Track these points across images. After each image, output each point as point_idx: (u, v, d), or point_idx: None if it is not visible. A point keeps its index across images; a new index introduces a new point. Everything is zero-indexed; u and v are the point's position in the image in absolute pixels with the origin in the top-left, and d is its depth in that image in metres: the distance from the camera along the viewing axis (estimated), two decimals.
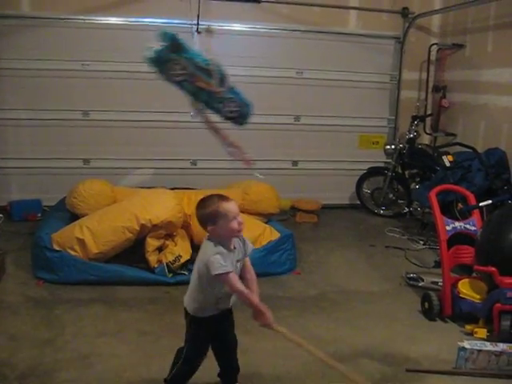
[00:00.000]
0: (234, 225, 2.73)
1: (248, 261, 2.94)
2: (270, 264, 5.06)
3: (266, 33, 7.28)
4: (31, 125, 6.82)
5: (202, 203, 2.79)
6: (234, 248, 2.82)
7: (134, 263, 4.91)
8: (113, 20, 6.86)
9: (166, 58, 3.73)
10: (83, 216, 5.23)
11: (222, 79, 3.62)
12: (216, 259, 2.66)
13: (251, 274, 2.93)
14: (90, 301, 4.41)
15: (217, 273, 2.65)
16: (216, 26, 7.00)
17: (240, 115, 3.71)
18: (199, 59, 3.65)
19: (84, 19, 6.74)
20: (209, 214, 2.74)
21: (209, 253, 2.71)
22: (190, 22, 6.88)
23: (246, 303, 2.78)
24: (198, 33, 6.92)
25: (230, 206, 2.74)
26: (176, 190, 5.73)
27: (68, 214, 5.56)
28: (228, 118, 3.71)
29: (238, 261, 2.84)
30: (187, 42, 3.83)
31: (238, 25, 7.21)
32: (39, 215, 6.57)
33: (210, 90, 3.62)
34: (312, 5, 7.26)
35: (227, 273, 2.66)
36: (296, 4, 7.22)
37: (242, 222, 2.78)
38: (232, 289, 2.73)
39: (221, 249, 2.72)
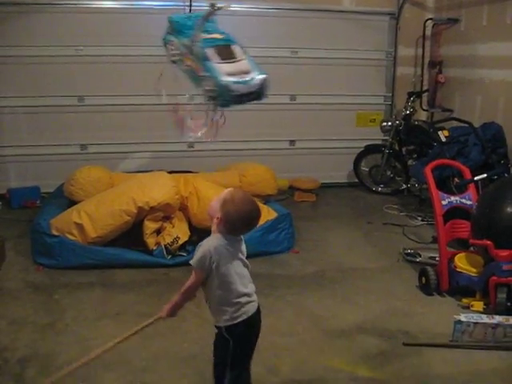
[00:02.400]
0: None
1: None
2: (268, 243, 5.09)
3: (259, 12, 7.23)
4: (27, 112, 6.80)
5: None
6: None
7: (132, 246, 4.93)
8: (106, 4, 6.82)
9: (165, 41, 3.87)
10: None
11: (203, 56, 3.57)
12: None
13: None
14: (90, 284, 4.45)
15: None
16: (207, 7, 6.99)
17: (218, 95, 3.66)
18: (185, 37, 3.64)
19: (76, 4, 6.69)
20: None
21: None
22: (182, 4, 6.86)
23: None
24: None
25: None
26: (173, 174, 5.72)
27: (66, 200, 5.55)
28: (209, 98, 3.68)
29: None
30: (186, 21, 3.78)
31: (232, 5, 7.11)
32: (38, 202, 6.57)
33: (192, 68, 3.61)
34: None
35: None
36: None
37: None
38: None
39: None
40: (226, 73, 3.57)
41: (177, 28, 3.81)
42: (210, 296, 2.57)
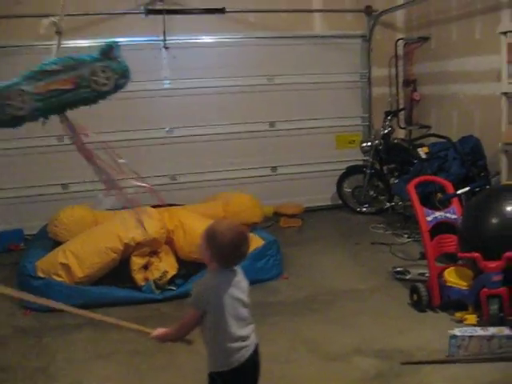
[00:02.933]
0: None
1: None
2: (258, 271, 5.05)
3: (234, 42, 7.33)
4: (5, 154, 6.74)
5: None
6: None
7: (120, 283, 4.87)
8: (79, 43, 6.82)
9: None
10: None
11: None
12: None
13: None
14: (79, 325, 4.36)
15: None
16: (183, 40, 7.07)
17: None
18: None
19: (50, 44, 6.68)
20: None
21: None
22: (156, 39, 6.94)
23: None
24: (166, 48, 6.98)
25: None
26: (157, 208, 5.70)
27: (51, 241, 5.49)
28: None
29: None
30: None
31: (206, 37, 7.25)
32: (22, 245, 6.49)
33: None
34: (277, 11, 7.34)
35: None
36: (261, 11, 7.28)
37: None
38: None
39: None
40: None
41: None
42: (204, 336, 2.45)
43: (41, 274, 4.73)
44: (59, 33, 3.35)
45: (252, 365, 2.48)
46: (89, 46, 3.47)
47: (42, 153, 6.85)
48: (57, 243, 5.34)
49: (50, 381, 3.57)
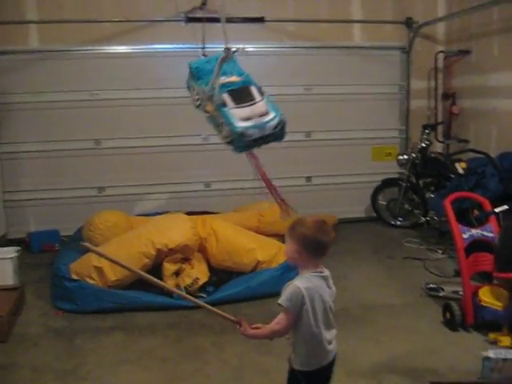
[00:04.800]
0: None
1: None
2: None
3: (272, 51, 7.34)
4: (45, 156, 6.89)
5: None
6: None
7: (151, 289, 4.90)
8: (119, 49, 6.95)
9: (188, 86, 4.02)
10: None
11: (220, 102, 3.59)
12: None
13: None
14: (110, 329, 4.42)
15: None
16: (222, 48, 7.10)
17: (234, 141, 3.67)
18: (204, 82, 3.67)
19: (91, 49, 6.83)
20: None
21: None
22: (195, 46, 6.98)
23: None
24: (204, 56, 7.01)
25: None
26: (191, 215, 5.73)
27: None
28: (227, 143, 3.69)
29: None
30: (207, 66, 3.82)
31: (245, 46, 7.25)
32: (57, 245, 6.59)
33: (212, 114, 3.62)
34: (316, 21, 7.32)
35: None
36: (300, 21, 7.28)
37: None
38: None
39: None
40: (241, 118, 3.56)
41: (196, 74, 3.85)
42: (293, 336, 2.49)
43: (74, 276, 4.80)
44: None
45: (330, 369, 2.57)
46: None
47: (80, 156, 6.97)
48: None
49: (80, 383, 3.61)
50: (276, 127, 3.56)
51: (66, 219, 6.85)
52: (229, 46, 3.70)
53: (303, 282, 2.41)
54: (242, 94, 3.64)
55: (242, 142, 3.61)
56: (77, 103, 6.83)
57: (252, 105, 3.63)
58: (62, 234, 6.76)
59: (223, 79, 3.70)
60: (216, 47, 6.95)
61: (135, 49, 6.97)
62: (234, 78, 3.72)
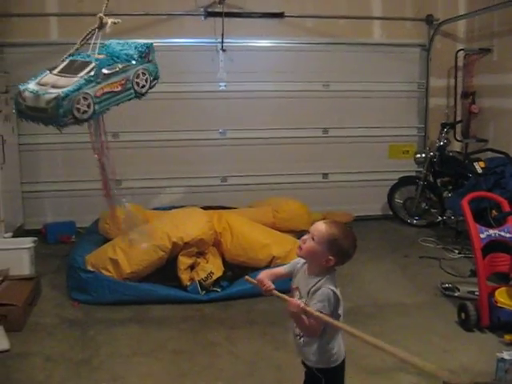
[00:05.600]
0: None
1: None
2: None
3: (291, 47, 7.32)
4: (62, 148, 6.92)
5: None
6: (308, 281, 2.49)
7: (166, 282, 4.92)
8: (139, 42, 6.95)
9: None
10: None
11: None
12: None
13: None
14: (124, 320, 4.45)
15: None
16: (241, 43, 7.11)
17: (14, 102, 3.23)
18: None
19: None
20: None
21: None
22: (214, 41, 6.99)
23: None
24: (223, 51, 7.03)
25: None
26: (207, 210, 5.73)
27: (101, 236, 5.61)
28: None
29: (298, 290, 2.53)
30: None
31: (263, 41, 7.26)
32: (73, 237, 6.64)
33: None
34: (335, 17, 7.28)
35: None
36: (320, 17, 7.24)
37: (303, 239, 2.47)
38: None
39: (302, 260, 2.57)
40: (39, 82, 3.15)
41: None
42: (322, 335, 2.46)
43: (90, 268, 4.83)
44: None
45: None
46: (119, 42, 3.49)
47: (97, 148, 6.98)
48: (107, 238, 5.45)
49: (92, 373, 3.64)
50: (49, 103, 3.01)
51: (82, 211, 6.88)
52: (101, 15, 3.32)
53: (333, 285, 2.42)
54: (77, 67, 3.17)
55: (17, 105, 3.18)
56: None
57: (65, 77, 3.14)
58: (79, 225, 6.82)
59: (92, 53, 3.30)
60: (235, 41, 7.06)
61: (154, 42, 6.95)
62: (98, 56, 3.24)
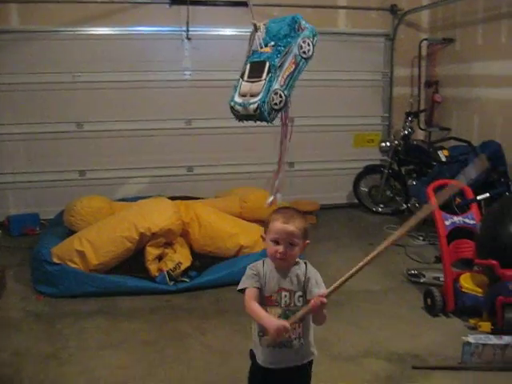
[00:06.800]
0: (270, 248, 2.34)
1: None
2: None
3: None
4: (25, 139, 6.79)
5: None
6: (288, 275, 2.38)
7: (134, 273, 4.88)
8: (102, 30, 6.85)
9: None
10: None
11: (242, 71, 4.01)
12: (245, 273, 2.41)
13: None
14: (92, 313, 4.40)
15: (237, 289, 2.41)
16: (206, 31, 7.05)
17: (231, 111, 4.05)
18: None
19: (73, 31, 6.73)
20: (266, 222, 2.40)
21: None
22: (179, 29, 6.92)
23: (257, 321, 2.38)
24: (188, 39, 6.97)
25: (277, 226, 2.31)
26: (174, 200, 5.70)
27: (66, 228, 5.53)
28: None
29: (285, 289, 2.36)
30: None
31: (228, 29, 7.21)
32: (38, 229, 6.52)
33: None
34: (301, 6, 7.25)
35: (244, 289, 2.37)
36: (285, 6, 7.21)
37: (283, 252, 2.30)
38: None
39: (259, 264, 2.40)
40: (240, 93, 3.81)
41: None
42: (306, 324, 2.40)
43: (56, 260, 4.75)
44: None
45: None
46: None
47: (61, 138, 6.88)
48: (72, 231, 5.36)
49: (61, 367, 3.58)
50: (256, 111, 3.72)
51: (46, 202, 6.79)
52: (254, 21, 3.98)
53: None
54: (257, 69, 3.82)
55: (235, 114, 3.91)
56: (58, 85, 6.71)
57: (255, 82, 3.76)
58: (42, 217, 6.70)
59: (259, 49, 3.91)
60: (200, 30, 7.00)
61: (118, 30, 6.87)
62: (267, 49, 3.90)
